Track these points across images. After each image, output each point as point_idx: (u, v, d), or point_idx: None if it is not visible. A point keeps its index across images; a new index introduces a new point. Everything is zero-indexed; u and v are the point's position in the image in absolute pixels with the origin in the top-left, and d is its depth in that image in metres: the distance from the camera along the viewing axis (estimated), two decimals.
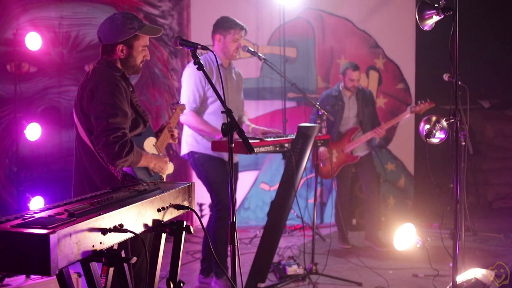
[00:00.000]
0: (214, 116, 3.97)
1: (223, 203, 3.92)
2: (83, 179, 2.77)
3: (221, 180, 3.96)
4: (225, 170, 3.98)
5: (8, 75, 4.97)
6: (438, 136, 3.11)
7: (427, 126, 3.11)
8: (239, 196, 6.14)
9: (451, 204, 5.53)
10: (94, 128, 2.66)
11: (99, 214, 1.79)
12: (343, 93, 5.29)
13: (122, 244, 2.01)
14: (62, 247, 1.59)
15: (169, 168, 3.06)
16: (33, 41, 4.85)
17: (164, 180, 3.01)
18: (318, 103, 4.54)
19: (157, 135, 3.08)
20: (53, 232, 1.56)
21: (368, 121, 5.32)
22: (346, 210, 5.51)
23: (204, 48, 2.64)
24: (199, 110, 3.98)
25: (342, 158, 5.27)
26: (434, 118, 3.12)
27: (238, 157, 4.19)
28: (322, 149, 5.08)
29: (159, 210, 2.18)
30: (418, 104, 5.14)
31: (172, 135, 3.17)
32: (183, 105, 3.57)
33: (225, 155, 3.98)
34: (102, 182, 2.70)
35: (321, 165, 5.25)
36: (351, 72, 5.22)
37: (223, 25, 4.00)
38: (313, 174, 6.05)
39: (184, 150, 4.11)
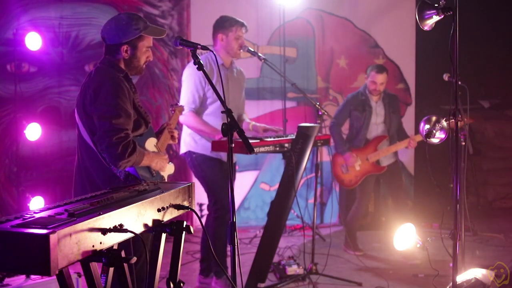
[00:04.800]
0: (213, 117, 3.96)
1: (221, 202, 3.92)
2: (84, 179, 2.77)
3: (218, 179, 3.96)
4: (222, 170, 3.99)
5: (8, 75, 4.97)
6: (438, 136, 3.11)
7: (427, 126, 3.11)
8: (239, 196, 6.15)
9: (451, 204, 5.53)
10: (97, 129, 2.65)
11: (99, 214, 1.79)
12: (370, 97, 4.97)
13: (124, 244, 2.01)
14: (62, 247, 1.59)
15: (170, 168, 3.07)
16: (33, 41, 4.85)
17: (166, 180, 3.01)
18: (318, 103, 4.52)
19: (157, 136, 3.10)
20: (53, 232, 1.56)
21: (394, 129, 5.04)
22: (361, 218, 5.27)
23: (204, 48, 2.64)
24: (199, 111, 3.98)
25: (366, 168, 4.92)
26: (434, 118, 3.12)
27: (236, 157, 4.19)
28: (348, 154, 4.89)
29: (159, 210, 2.17)
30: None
31: (172, 136, 3.19)
32: (182, 106, 3.58)
33: (223, 156, 3.98)
34: (104, 182, 2.69)
35: (343, 171, 4.99)
36: (374, 74, 4.90)
37: (224, 24, 4.00)
38: (313, 174, 6.05)
39: (182, 149, 4.12)
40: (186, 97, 3.97)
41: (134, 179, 2.73)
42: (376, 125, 4.99)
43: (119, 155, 2.61)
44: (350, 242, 5.10)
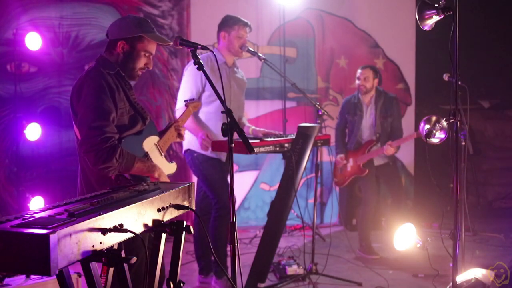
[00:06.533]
0: (214, 115, 3.96)
1: (222, 202, 3.92)
2: (82, 178, 2.76)
3: (219, 179, 3.96)
4: (222, 170, 3.99)
5: (8, 75, 4.97)
6: (438, 136, 3.10)
7: (427, 126, 3.11)
8: (239, 196, 6.14)
9: (451, 204, 5.52)
10: (79, 133, 2.63)
11: (99, 214, 1.79)
12: (362, 101, 5.06)
13: (122, 244, 2.01)
14: (62, 247, 1.59)
15: (172, 167, 3.02)
16: (33, 41, 4.85)
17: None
18: (318, 103, 4.51)
19: (162, 133, 3.01)
20: (53, 232, 1.56)
21: (385, 133, 5.00)
22: (371, 219, 5.13)
23: (204, 48, 2.63)
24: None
25: (354, 169, 5.07)
26: (434, 118, 3.11)
27: (234, 156, 4.18)
28: (339, 157, 5.12)
29: (159, 210, 2.17)
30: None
31: (179, 134, 3.08)
32: (198, 102, 3.52)
33: (223, 156, 3.99)
34: (98, 182, 2.66)
35: (338, 171, 5.22)
36: (358, 71, 5.07)
37: (227, 22, 4.02)
38: (313, 174, 6.05)
39: (185, 146, 4.12)
40: (183, 92, 3.98)
41: (123, 179, 2.68)
42: (366, 129, 5.09)
43: (95, 162, 2.55)
44: (364, 246, 5.04)
